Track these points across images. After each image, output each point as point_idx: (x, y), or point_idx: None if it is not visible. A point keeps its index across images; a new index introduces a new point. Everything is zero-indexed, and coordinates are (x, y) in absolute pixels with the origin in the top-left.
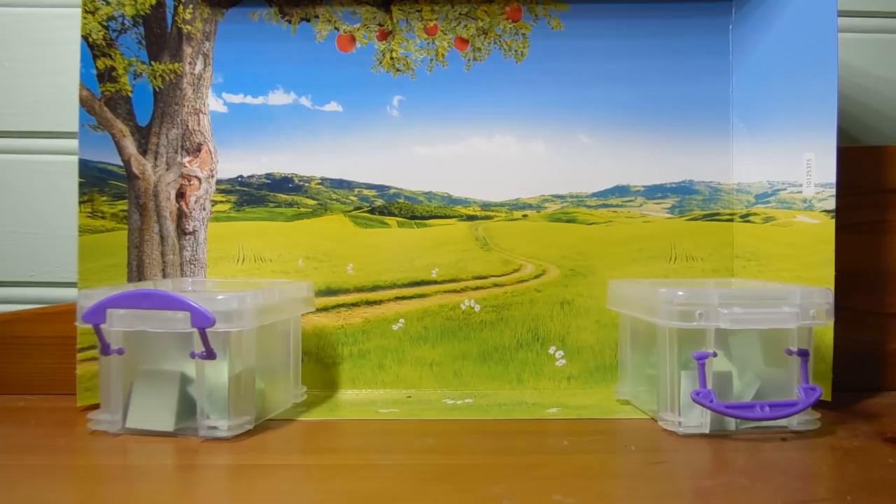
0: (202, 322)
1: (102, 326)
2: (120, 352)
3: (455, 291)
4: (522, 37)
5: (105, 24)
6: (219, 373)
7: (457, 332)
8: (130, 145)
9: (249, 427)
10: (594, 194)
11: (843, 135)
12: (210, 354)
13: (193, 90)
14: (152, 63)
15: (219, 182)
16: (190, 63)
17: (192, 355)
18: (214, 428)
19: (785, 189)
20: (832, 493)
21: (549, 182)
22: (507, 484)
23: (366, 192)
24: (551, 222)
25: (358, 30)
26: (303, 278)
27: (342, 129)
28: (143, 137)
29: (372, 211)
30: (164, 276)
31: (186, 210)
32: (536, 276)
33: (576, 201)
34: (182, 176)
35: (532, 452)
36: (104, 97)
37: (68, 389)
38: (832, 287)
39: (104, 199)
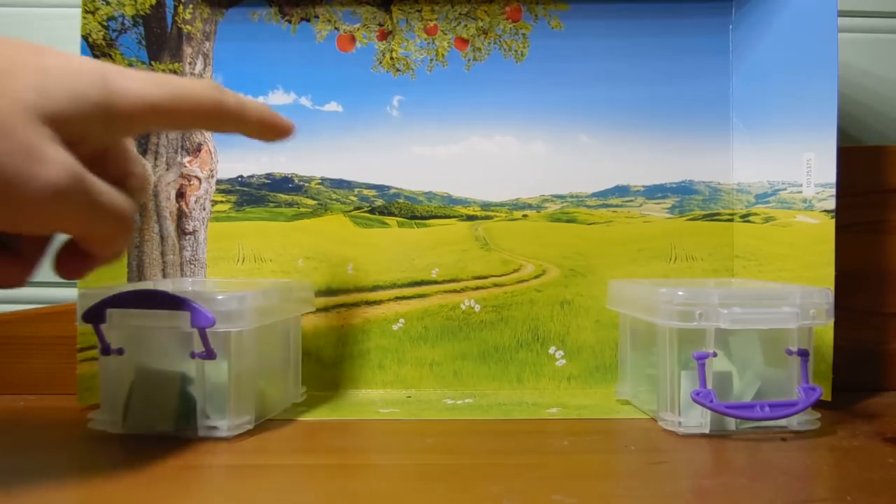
0: (202, 322)
1: (102, 326)
2: (120, 352)
3: (455, 291)
4: (522, 37)
5: (105, 24)
6: (219, 373)
7: (457, 332)
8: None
9: (249, 427)
10: (594, 194)
11: (843, 135)
12: (210, 354)
13: None
14: (152, 63)
15: (219, 182)
16: (190, 63)
17: (193, 355)
18: (214, 428)
19: (785, 189)
20: (832, 493)
21: (549, 182)
22: (507, 484)
23: (366, 192)
24: (551, 222)
25: (358, 30)
26: (303, 278)
27: (342, 129)
28: (143, 137)
29: (372, 211)
30: (164, 276)
31: (186, 210)
32: (536, 276)
33: (576, 201)
34: (182, 176)
35: (532, 452)
36: None
37: (68, 389)
38: (832, 287)
39: None
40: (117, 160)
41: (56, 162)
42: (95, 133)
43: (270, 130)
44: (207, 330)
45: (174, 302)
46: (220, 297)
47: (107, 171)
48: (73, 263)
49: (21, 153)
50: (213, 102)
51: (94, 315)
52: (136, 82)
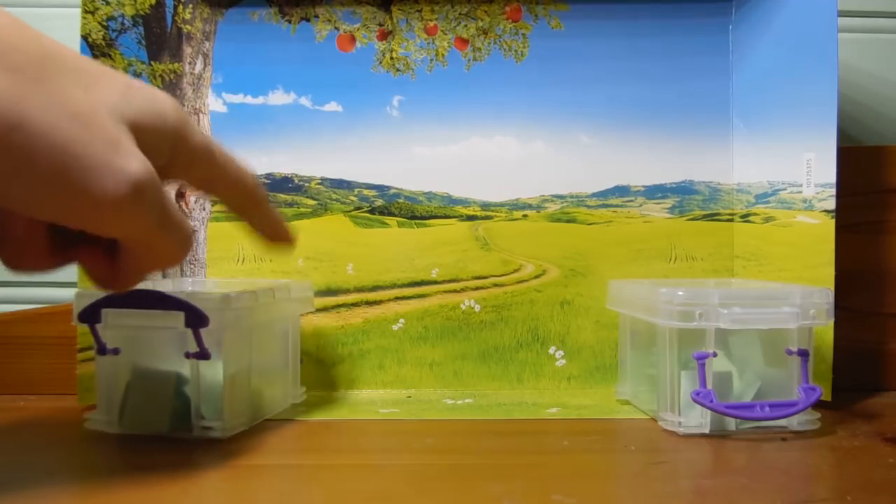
0: (196, 322)
1: (98, 326)
2: (116, 352)
3: (455, 291)
4: (522, 37)
5: (105, 24)
6: (214, 373)
7: (457, 332)
8: None
9: (244, 428)
10: (594, 194)
11: (843, 135)
12: (204, 354)
13: (193, 90)
14: (152, 63)
15: None
16: (190, 63)
17: (187, 355)
18: (209, 429)
19: (785, 189)
20: (832, 493)
21: (549, 182)
22: (507, 484)
23: (366, 192)
24: (551, 222)
25: (358, 30)
26: (303, 278)
27: (342, 129)
28: None
29: (372, 211)
30: (164, 276)
31: (186, 210)
32: (536, 276)
33: (576, 201)
34: None
35: (532, 452)
36: None
37: (68, 389)
38: (832, 287)
39: None
40: None
41: (137, 157)
42: (162, 152)
43: (278, 233)
44: (202, 330)
45: (169, 302)
46: (213, 297)
47: None
48: (103, 269)
49: (105, 143)
50: (252, 181)
51: (90, 315)
52: (200, 131)
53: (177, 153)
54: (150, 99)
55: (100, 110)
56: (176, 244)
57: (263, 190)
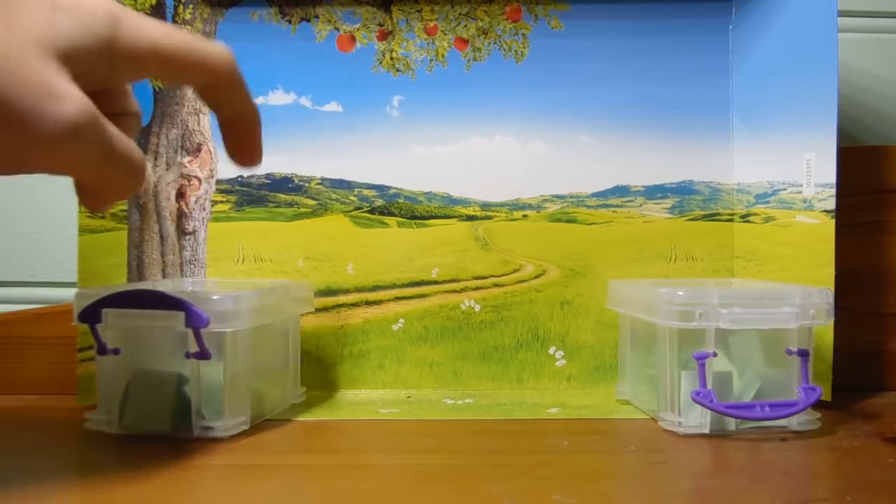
0: (196, 322)
1: (98, 326)
2: (116, 352)
3: (455, 291)
4: (522, 37)
5: None
6: (214, 373)
7: (457, 333)
8: None
9: (245, 428)
10: (594, 194)
11: (843, 135)
12: (205, 355)
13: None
14: None
15: (219, 182)
16: None
17: (188, 355)
18: (210, 428)
19: (785, 189)
20: (832, 493)
21: (549, 182)
22: (507, 484)
23: (366, 192)
24: (551, 222)
25: (358, 30)
26: (303, 278)
27: (342, 129)
28: (143, 137)
29: (372, 211)
30: (164, 276)
31: (186, 210)
32: (536, 276)
33: (576, 201)
34: (182, 176)
35: (532, 452)
36: None
37: (68, 389)
38: (832, 287)
39: None
40: (114, 99)
41: (72, 98)
42: (100, 71)
43: (251, 134)
44: (202, 330)
45: (169, 302)
46: (214, 297)
47: (103, 109)
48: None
49: (35, 88)
50: (228, 63)
51: (90, 315)
52: (147, 27)
53: (117, 59)
54: (77, 16)
55: (26, 49)
56: (125, 175)
57: (238, 75)
